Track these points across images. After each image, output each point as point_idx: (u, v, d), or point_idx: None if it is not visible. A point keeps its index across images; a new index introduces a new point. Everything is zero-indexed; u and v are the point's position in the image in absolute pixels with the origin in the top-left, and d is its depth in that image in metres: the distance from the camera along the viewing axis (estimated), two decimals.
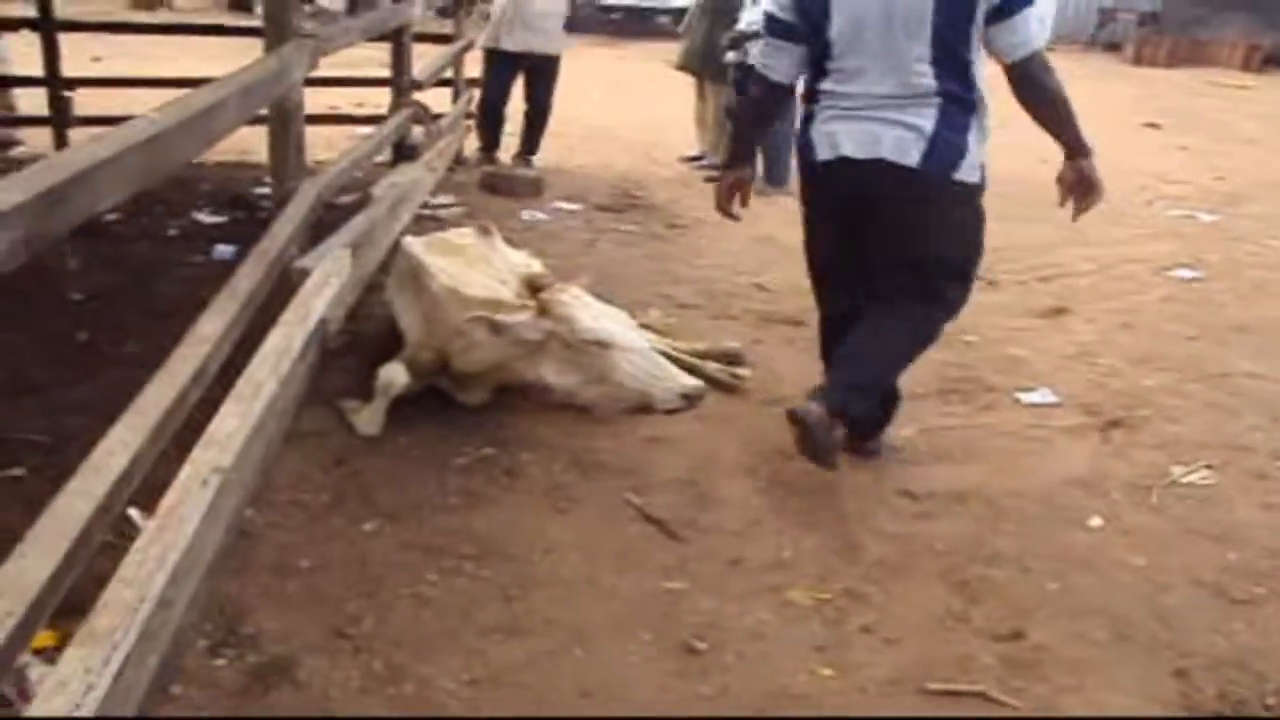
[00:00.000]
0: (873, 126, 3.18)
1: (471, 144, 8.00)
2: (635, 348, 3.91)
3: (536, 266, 4.39)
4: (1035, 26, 3.12)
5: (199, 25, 10.90)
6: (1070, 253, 6.39)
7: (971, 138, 3.18)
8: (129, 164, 2.11)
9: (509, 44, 7.39)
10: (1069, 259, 6.29)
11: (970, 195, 3.27)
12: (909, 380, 4.26)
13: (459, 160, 7.57)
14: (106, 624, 1.88)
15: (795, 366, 4.35)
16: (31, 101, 7.51)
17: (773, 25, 3.33)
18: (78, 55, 8.38)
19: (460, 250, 4.05)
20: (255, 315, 3.17)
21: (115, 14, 16.02)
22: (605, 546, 3.03)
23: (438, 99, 7.45)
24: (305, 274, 3.48)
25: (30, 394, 3.69)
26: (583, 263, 5.51)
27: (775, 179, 7.79)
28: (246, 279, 3.02)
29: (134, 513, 2.64)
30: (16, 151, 7.43)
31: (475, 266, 3.95)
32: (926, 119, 3.13)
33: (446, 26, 8.39)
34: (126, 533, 2.50)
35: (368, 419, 3.55)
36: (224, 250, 5.38)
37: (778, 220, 6.64)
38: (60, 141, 7.23)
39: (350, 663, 2.48)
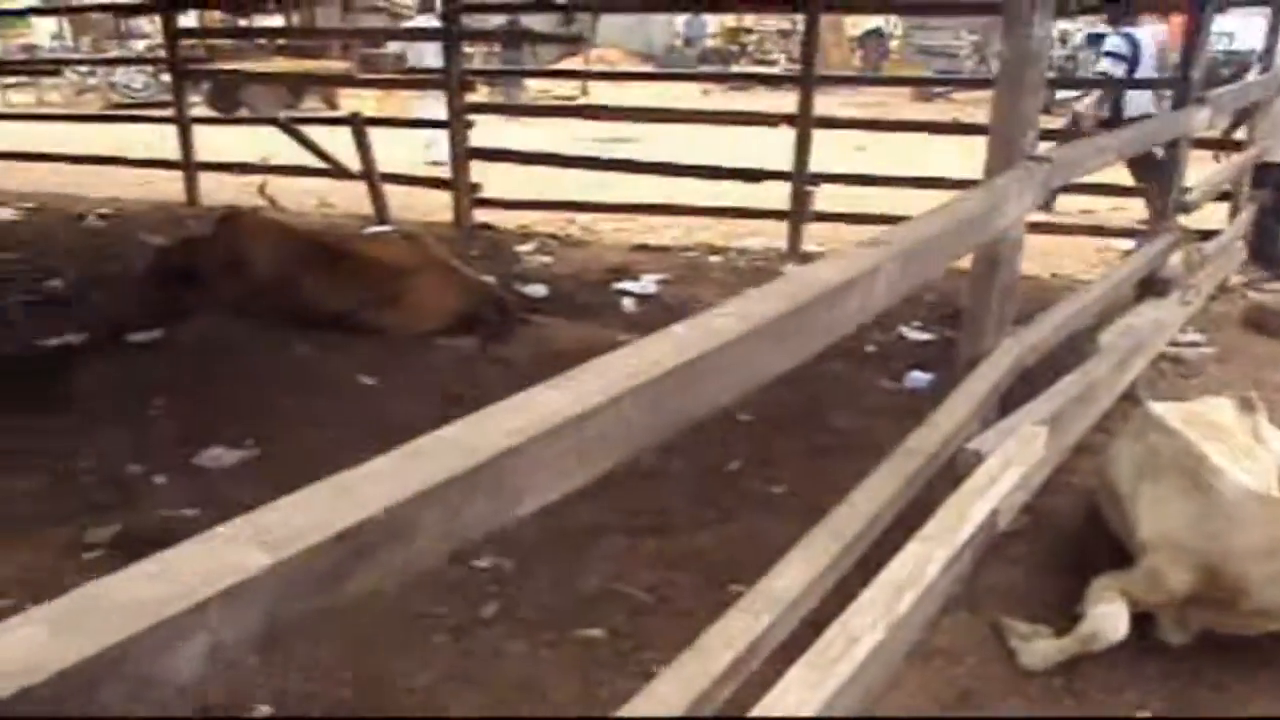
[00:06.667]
0: None
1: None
2: None
3: None
4: None
5: (947, 124, 9.78)
6: None
7: None
8: (640, 411, 1.43)
9: None
10: None
11: None
12: None
13: (1223, 288, 6.32)
14: None
15: None
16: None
17: None
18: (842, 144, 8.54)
19: (1220, 431, 3.06)
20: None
21: (893, 105, 16.40)
22: None
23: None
24: (977, 460, 2.77)
25: (656, 535, 3.46)
26: None
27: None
28: (891, 477, 2.40)
29: None
30: None
31: (1240, 460, 2.91)
32: None
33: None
34: None
35: (1035, 655, 2.75)
36: (919, 378, 4.90)
37: None
38: (795, 237, 7.31)
39: None
